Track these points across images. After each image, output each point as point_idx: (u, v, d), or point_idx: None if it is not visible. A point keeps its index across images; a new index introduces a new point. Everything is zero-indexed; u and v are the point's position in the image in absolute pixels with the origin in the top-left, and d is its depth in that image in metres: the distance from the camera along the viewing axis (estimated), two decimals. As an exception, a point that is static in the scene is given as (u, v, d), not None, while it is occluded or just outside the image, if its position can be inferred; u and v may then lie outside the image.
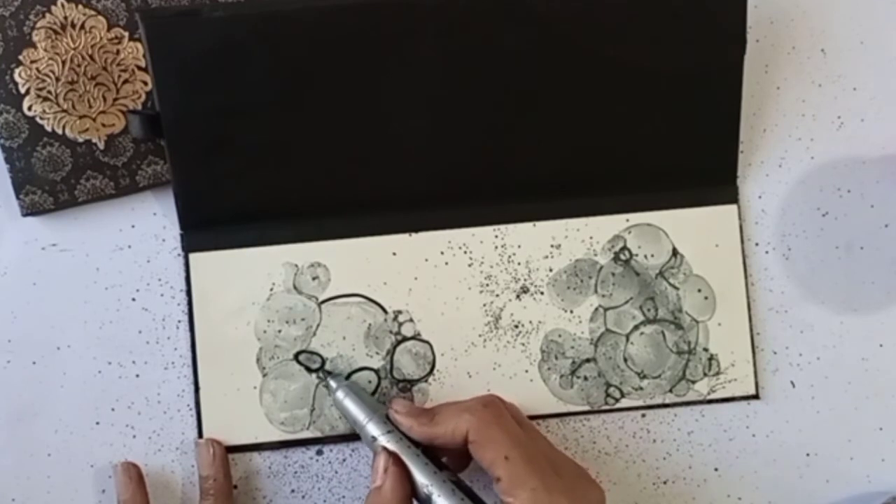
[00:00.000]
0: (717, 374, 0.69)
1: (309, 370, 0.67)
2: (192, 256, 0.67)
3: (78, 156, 0.65)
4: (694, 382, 0.69)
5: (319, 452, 0.68)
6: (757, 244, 0.70)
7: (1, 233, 0.67)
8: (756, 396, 0.69)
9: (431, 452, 0.61)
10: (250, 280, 0.67)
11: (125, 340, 0.67)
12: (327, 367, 0.67)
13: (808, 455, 0.70)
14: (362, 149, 0.66)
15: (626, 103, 0.67)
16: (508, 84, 0.65)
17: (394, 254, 0.68)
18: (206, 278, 0.67)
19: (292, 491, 0.68)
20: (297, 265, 0.67)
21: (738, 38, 0.66)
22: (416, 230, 0.68)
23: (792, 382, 0.70)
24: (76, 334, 0.67)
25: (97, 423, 0.67)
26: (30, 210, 0.65)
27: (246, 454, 0.67)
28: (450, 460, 0.62)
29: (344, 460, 0.68)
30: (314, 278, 0.67)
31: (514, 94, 0.66)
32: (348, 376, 0.67)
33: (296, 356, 0.67)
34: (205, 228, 0.66)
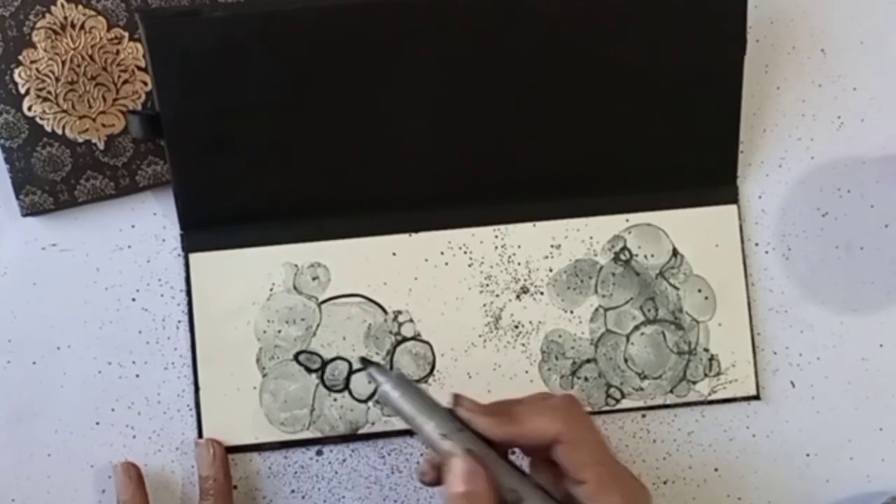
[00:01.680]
0: (718, 374, 0.69)
1: (309, 370, 0.67)
2: (193, 256, 0.67)
3: (78, 156, 0.65)
4: (694, 383, 0.69)
5: (319, 452, 0.68)
6: (757, 244, 0.71)
7: (1, 233, 0.67)
8: (757, 397, 0.69)
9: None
10: (250, 280, 0.67)
11: (125, 340, 0.67)
12: (366, 356, 0.67)
13: (808, 455, 0.70)
14: (362, 149, 0.66)
15: (626, 103, 0.67)
16: (508, 84, 0.66)
17: (394, 254, 0.68)
18: (206, 278, 0.67)
19: (292, 491, 0.68)
20: (297, 265, 0.67)
21: (739, 38, 0.66)
22: (416, 230, 0.68)
23: (792, 382, 0.70)
24: (76, 334, 0.67)
25: (97, 423, 0.67)
26: (30, 210, 0.65)
27: (246, 454, 0.67)
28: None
29: (344, 460, 0.68)
30: (314, 278, 0.67)
31: (514, 94, 0.66)
32: (349, 375, 0.67)
33: (296, 356, 0.67)
34: (205, 228, 0.66)
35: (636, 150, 0.68)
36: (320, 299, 0.67)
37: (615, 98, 0.67)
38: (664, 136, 0.68)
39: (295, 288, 0.67)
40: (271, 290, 0.67)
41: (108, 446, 0.67)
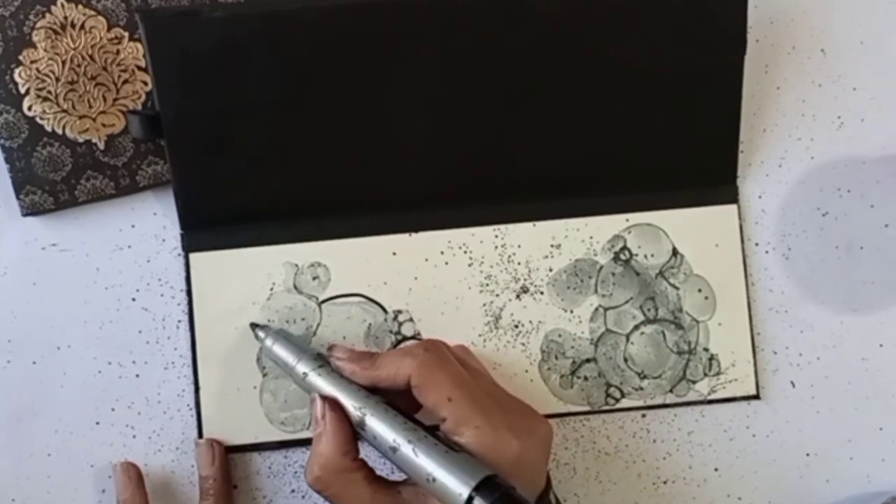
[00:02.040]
0: (718, 374, 0.69)
1: None
2: (193, 256, 0.67)
3: (78, 156, 0.65)
4: (694, 382, 0.69)
5: (319, 452, 0.68)
6: (757, 244, 0.71)
7: (1, 233, 0.67)
8: (757, 396, 0.69)
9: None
10: (250, 280, 0.67)
11: (125, 340, 0.67)
12: (254, 321, 0.67)
13: (808, 455, 0.70)
14: (362, 149, 0.66)
15: (626, 103, 0.67)
16: (508, 84, 0.65)
17: (394, 254, 0.68)
18: (206, 278, 0.67)
19: (292, 491, 0.68)
20: (297, 265, 0.67)
21: (739, 38, 0.66)
22: (416, 230, 0.68)
23: (792, 382, 0.70)
24: (76, 334, 0.67)
25: (97, 423, 0.67)
26: (30, 210, 0.65)
27: (246, 454, 0.67)
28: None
29: (344, 460, 0.68)
30: (314, 278, 0.67)
31: (514, 94, 0.66)
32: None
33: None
34: (205, 228, 0.66)
35: (636, 150, 0.68)
36: (320, 299, 0.67)
37: (615, 98, 0.67)
38: (664, 136, 0.68)
39: (295, 287, 0.67)
40: (271, 289, 0.67)
41: (108, 446, 0.67)
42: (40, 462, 0.66)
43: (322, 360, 0.62)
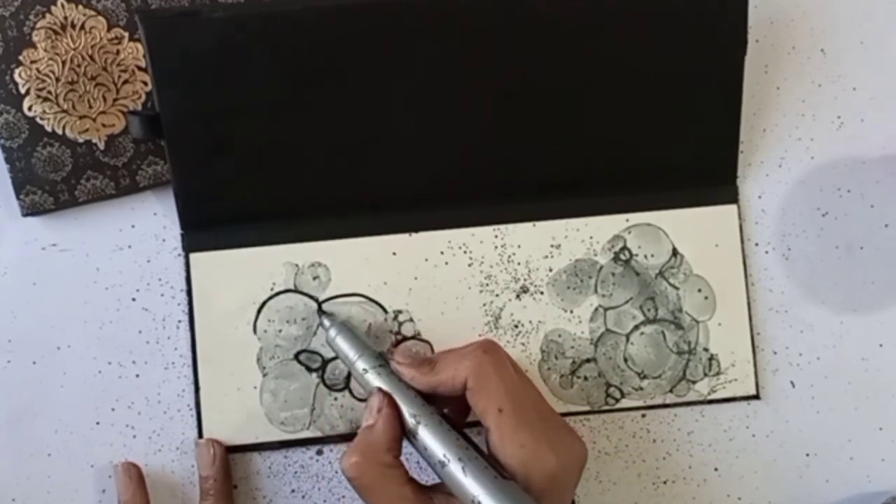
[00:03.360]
0: (718, 374, 0.69)
1: (309, 370, 0.67)
2: (193, 256, 0.67)
3: (78, 156, 0.65)
4: (694, 382, 0.69)
5: (319, 452, 0.68)
6: (757, 244, 0.71)
7: (1, 233, 0.67)
8: (756, 396, 0.69)
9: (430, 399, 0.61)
10: (251, 280, 0.67)
11: (125, 340, 0.67)
12: (324, 308, 0.67)
13: (808, 455, 0.70)
14: (362, 149, 0.66)
15: (626, 103, 0.67)
16: (508, 84, 0.65)
17: (394, 254, 0.68)
18: (206, 278, 0.67)
19: (292, 491, 0.68)
20: (297, 265, 0.67)
21: (739, 38, 0.66)
22: (416, 230, 0.68)
23: (792, 382, 0.70)
24: (76, 334, 0.67)
25: (97, 423, 0.67)
26: (30, 210, 0.65)
27: (246, 454, 0.67)
28: (453, 413, 0.62)
29: (344, 460, 0.68)
30: (314, 278, 0.67)
31: (514, 94, 0.66)
32: (349, 375, 0.67)
33: (296, 356, 0.67)
34: (205, 228, 0.66)
35: (636, 150, 0.68)
36: (321, 299, 0.67)
37: (615, 98, 0.67)
38: (664, 136, 0.68)
39: (295, 287, 0.67)
40: (272, 289, 0.67)
41: (108, 446, 0.67)
42: (40, 462, 0.66)
43: (382, 360, 0.62)
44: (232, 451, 0.67)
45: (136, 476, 0.66)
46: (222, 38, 0.62)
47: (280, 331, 0.67)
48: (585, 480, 0.69)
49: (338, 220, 0.67)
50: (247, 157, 0.65)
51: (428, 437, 0.58)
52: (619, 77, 0.66)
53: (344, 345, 0.63)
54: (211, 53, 0.62)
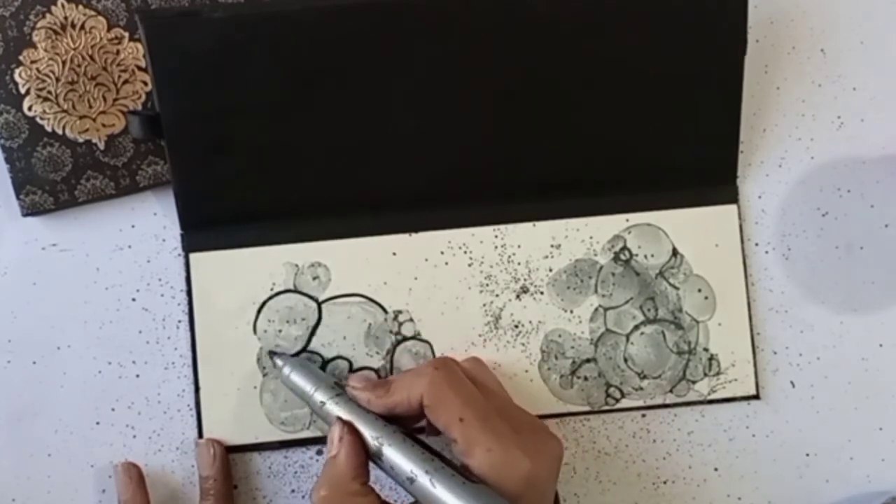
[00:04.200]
0: (718, 374, 0.69)
1: None
2: (193, 256, 0.67)
3: (78, 156, 0.65)
4: (694, 382, 0.69)
5: (319, 452, 0.68)
6: (757, 244, 0.71)
7: (1, 233, 0.67)
8: (756, 396, 0.69)
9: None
10: (251, 280, 0.67)
11: (125, 340, 0.67)
12: (273, 348, 0.67)
13: (808, 455, 0.70)
14: (362, 149, 0.66)
15: (626, 103, 0.67)
16: (508, 84, 0.65)
17: (394, 254, 0.68)
18: (206, 278, 0.67)
19: (292, 491, 0.68)
20: (297, 265, 0.67)
21: (739, 38, 0.66)
22: (416, 230, 0.68)
23: (792, 382, 0.70)
24: (76, 334, 0.67)
25: (97, 423, 0.67)
26: (30, 210, 0.65)
27: (246, 454, 0.67)
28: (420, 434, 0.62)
29: (344, 460, 0.68)
30: (314, 278, 0.67)
31: (514, 94, 0.66)
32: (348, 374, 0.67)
33: (296, 356, 0.67)
34: (205, 228, 0.66)
35: (636, 150, 0.68)
36: (321, 299, 0.67)
37: (615, 98, 0.67)
38: (664, 136, 0.68)
39: (295, 287, 0.67)
40: (272, 289, 0.67)
41: (108, 446, 0.67)
42: (40, 462, 0.66)
43: (339, 389, 0.62)
44: (232, 451, 0.67)
45: (136, 476, 0.66)
46: (222, 37, 0.62)
47: (280, 331, 0.67)
48: (585, 480, 0.69)
49: (338, 220, 0.67)
50: (247, 157, 0.65)
51: (393, 455, 0.58)
52: (618, 77, 0.66)
53: (299, 380, 0.63)
54: (211, 53, 0.62)
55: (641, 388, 0.69)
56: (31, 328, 0.67)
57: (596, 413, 0.69)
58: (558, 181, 0.68)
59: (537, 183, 0.68)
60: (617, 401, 0.69)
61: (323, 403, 0.61)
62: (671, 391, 0.69)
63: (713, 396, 0.69)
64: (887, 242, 0.71)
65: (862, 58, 0.72)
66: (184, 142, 0.64)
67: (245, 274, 0.67)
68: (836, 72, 0.72)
